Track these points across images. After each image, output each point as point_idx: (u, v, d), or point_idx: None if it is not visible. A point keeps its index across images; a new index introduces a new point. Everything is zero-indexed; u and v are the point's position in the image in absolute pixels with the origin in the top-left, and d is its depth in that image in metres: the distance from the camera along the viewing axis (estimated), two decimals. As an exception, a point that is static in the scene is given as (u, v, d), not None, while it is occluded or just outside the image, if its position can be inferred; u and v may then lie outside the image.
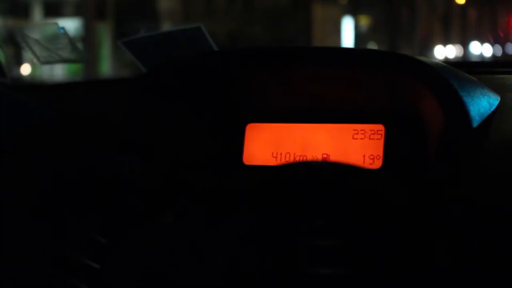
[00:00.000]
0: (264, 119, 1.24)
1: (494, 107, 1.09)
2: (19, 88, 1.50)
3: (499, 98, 1.12)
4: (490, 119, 1.06)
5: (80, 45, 1.40)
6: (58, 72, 11.80)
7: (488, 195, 0.94)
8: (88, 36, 12.98)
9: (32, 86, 1.50)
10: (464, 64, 1.28)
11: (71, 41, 1.40)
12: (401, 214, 0.90)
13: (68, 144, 1.19)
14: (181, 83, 1.21)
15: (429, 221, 0.91)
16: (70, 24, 16.51)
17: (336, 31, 17.63)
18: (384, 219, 0.88)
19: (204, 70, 1.20)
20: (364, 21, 18.89)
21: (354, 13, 18.88)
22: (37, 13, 17.18)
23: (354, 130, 1.19)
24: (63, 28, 1.45)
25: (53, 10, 16.35)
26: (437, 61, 1.10)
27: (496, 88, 1.14)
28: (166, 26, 16.81)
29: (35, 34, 1.40)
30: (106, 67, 15.47)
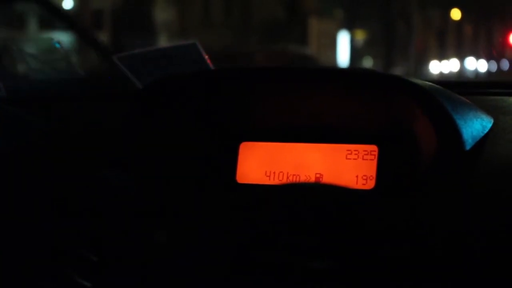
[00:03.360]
0: (258, 138, 1.24)
1: (487, 130, 1.10)
2: (14, 102, 1.50)
3: (492, 121, 1.13)
4: (483, 141, 1.07)
5: (74, 59, 1.40)
6: (57, 84, 11.90)
7: (479, 217, 0.95)
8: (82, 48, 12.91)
9: (28, 99, 1.49)
10: (458, 84, 1.28)
11: (66, 55, 1.39)
12: (390, 234, 0.90)
13: (61, 159, 1.19)
14: (175, 101, 1.21)
15: (418, 243, 0.92)
16: (65, 37, 16.56)
17: (332, 45, 17.66)
18: (374, 240, 0.89)
19: (198, 89, 1.20)
20: (360, 35, 18.92)
21: (350, 27, 18.92)
22: (32, 24, 17.19)
23: (348, 150, 1.19)
24: (58, 42, 1.45)
25: (48, 22, 16.39)
26: (430, 83, 1.10)
27: (489, 110, 1.15)
28: (163, 38, 16.80)
29: (30, 47, 1.40)
30: (103, 79, 15.49)
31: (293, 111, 1.22)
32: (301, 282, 0.88)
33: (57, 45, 1.44)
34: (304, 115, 1.21)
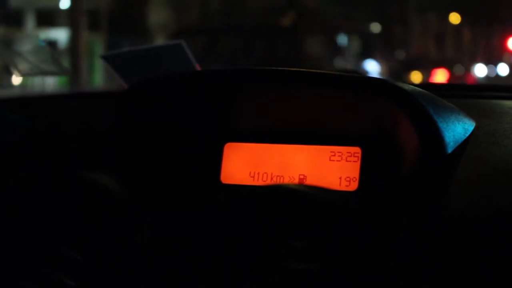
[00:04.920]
0: (242, 138, 1.25)
1: (469, 133, 1.11)
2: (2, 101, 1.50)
3: (474, 124, 1.13)
4: (465, 144, 1.08)
5: (60, 58, 1.40)
6: (50, 82, 11.78)
7: (459, 219, 0.95)
8: (75, 46, 12.76)
9: (13, 99, 1.49)
10: (440, 87, 1.29)
11: (52, 54, 1.39)
12: (373, 236, 0.91)
13: (45, 158, 1.20)
14: (159, 102, 1.21)
15: (398, 243, 0.92)
16: (63, 35, 16.50)
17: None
18: (355, 240, 0.89)
19: (183, 89, 1.21)
20: (357, 39, 18.96)
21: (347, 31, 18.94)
22: (29, 22, 17.17)
23: (331, 152, 1.20)
24: (43, 41, 1.45)
25: (46, 19, 16.35)
26: (413, 86, 1.11)
27: (471, 113, 1.16)
28: (160, 38, 16.80)
29: (16, 46, 1.40)
30: (99, 78, 15.47)
31: (277, 113, 1.22)
32: (282, 283, 0.88)
33: (42, 44, 1.44)
34: (289, 116, 1.22)
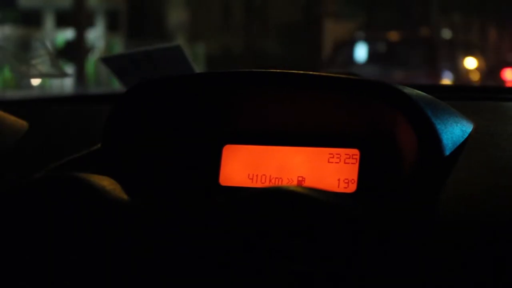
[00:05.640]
0: (241, 141, 1.25)
1: (467, 135, 1.11)
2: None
3: (472, 126, 1.14)
4: (463, 146, 1.08)
5: (59, 60, 1.39)
6: (68, 83, 11.83)
7: (458, 221, 0.95)
8: (79, 47, 12.68)
9: (12, 101, 1.50)
10: (439, 88, 1.28)
11: (51, 55, 1.39)
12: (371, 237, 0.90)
13: (41, 161, 1.20)
14: (158, 105, 1.22)
15: (396, 244, 0.92)
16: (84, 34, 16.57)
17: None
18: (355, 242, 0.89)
19: (181, 92, 1.21)
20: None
21: (367, 30, 18.88)
22: (49, 22, 17.25)
23: (330, 154, 1.20)
24: (40, 41, 1.45)
25: (65, 19, 16.42)
26: (411, 87, 1.11)
27: (469, 115, 1.16)
28: (180, 38, 16.82)
29: (14, 48, 1.40)
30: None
31: (276, 115, 1.22)
32: (280, 284, 0.88)
33: (40, 45, 1.44)
34: (287, 118, 1.22)
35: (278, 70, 1.13)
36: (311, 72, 1.12)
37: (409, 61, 12.63)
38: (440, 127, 1.04)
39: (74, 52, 12.66)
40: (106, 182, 1.04)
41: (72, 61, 12.53)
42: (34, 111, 1.44)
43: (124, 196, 1.03)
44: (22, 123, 1.20)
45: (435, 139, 1.03)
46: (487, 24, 19.49)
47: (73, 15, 13.55)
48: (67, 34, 15.95)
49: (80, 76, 11.96)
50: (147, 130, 1.23)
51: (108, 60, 1.43)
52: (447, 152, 1.04)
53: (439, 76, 12.62)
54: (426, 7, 19.01)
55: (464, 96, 1.27)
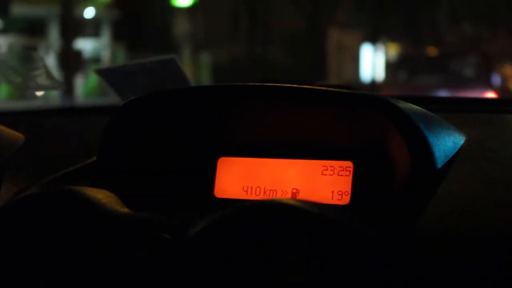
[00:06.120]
0: (235, 153, 1.26)
1: (459, 147, 1.12)
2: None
3: (464, 138, 1.15)
4: (455, 158, 1.09)
5: (54, 72, 1.39)
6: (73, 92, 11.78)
7: (449, 233, 0.95)
8: (66, 58, 12.51)
9: (9, 113, 1.50)
10: (431, 100, 1.29)
11: (46, 68, 1.40)
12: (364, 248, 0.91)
13: (37, 173, 1.20)
14: (153, 119, 1.23)
15: (389, 257, 0.92)
16: (88, 45, 16.58)
17: (354, 58, 17.58)
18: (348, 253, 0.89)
19: (176, 106, 1.22)
20: (393, 48, 18.84)
21: (375, 40, 18.85)
22: (53, 32, 17.25)
23: (324, 166, 1.20)
24: (35, 52, 1.45)
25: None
26: (405, 101, 1.11)
27: (462, 127, 1.17)
28: (185, 48, 16.81)
29: (10, 61, 1.40)
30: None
31: (270, 128, 1.23)
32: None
33: (35, 56, 1.43)
34: (281, 131, 1.23)
35: (271, 84, 1.14)
36: (305, 86, 1.13)
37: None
38: (432, 140, 1.05)
39: (80, 62, 12.61)
40: (101, 195, 1.04)
41: (77, 72, 12.49)
42: (29, 123, 1.44)
43: (120, 208, 1.03)
44: (18, 136, 1.20)
45: (428, 152, 1.04)
46: (498, 33, 19.45)
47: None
48: (73, 43, 15.95)
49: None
50: (143, 143, 1.23)
51: (103, 72, 1.44)
52: (439, 165, 1.04)
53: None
54: (435, 16, 19.00)
55: (457, 109, 1.27)
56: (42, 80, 1.37)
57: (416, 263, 0.91)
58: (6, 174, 1.16)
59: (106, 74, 1.43)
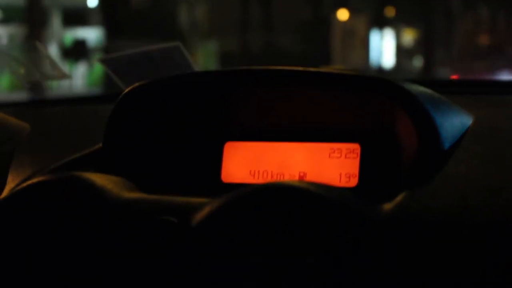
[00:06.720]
0: (242, 137, 1.26)
1: (466, 128, 1.12)
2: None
3: (471, 119, 1.14)
4: (462, 139, 1.09)
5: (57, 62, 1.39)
6: (78, 82, 11.76)
7: (458, 213, 0.95)
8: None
9: (14, 103, 1.50)
10: (439, 83, 1.29)
11: (50, 58, 1.39)
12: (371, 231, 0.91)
13: (41, 161, 1.20)
14: (158, 105, 1.23)
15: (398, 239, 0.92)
16: (92, 34, 16.52)
17: (361, 45, 17.46)
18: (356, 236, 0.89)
19: (181, 92, 1.22)
20: (410, 34, 18.73)
21: (382, 25, 18.74)
22: (56, 21, 17.22)
23: (331, 149, 1.20)
24: (37, 42, 1.44)
25: (73, 19, 16.40)
26: (411, 82, 1.11)
27: (470, 108, 1.17)
28: (190, 37, 16.77)
29: (16, 53, 1.39)
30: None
31: (276, 111, 1.23)
32: (281, 281, 0.89)
33: (38, 46, 1.43)
34: (288, 114, 1.23)
35: (276, 67, 1.14)
36: (311, 69, 1.13)
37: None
38: (439, 120, 1.05)
39: (84, 51, 12.55)
40: (106, 180, 1.04)
41: (80, 61, 12.43)
42: (33, 112, 1.44)
43: (126, 193, 1.03)
44: (24, 125, 1.21)
45: (435, 133, 1.04)
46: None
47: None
48: (76, 33, 15.92)
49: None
50: (148, 129, 1.24)
51: (107, 61, 1.43)
52: (447, 146, 1.05)
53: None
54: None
55: (464, 90, 1.27)
56: (47, 70, 1.36)
57: (422, 244, 0.91)
58: (12, 163, 1.17)
59: (110, 63, 1.43)
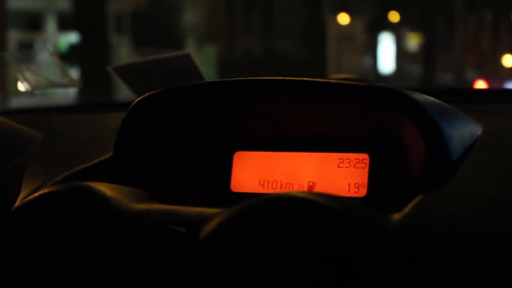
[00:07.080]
0: (251, 147, 1.26)
1: (475, 138, 1.12)
2: (10, 113, 1.50)
3: (480, 129, 1.14)
4: (471, 149, 1.09)
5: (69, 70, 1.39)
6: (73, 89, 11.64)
7: (466, 224, 0.95)
8: None
9: (23, 110, 1.50)
10: (447, 92, 1.29)
11: (61, 65, 1.39)
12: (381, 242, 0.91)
13: (51, 170, 1.20)
14: (168, 114, 1.23)
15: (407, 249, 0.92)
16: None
17: (357, 49, 17.37)
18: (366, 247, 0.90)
19: (191, 101, 1.22)
20: (414, 39, 18.64)
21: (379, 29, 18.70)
22: (50, 26, 17.14)
23: (340, 159, 1.21)
24: (47, 48, 1.44)
25: (67, 23, 16.29)
26: (418, 92, 1.11)
27: (478, 118, 1.17)
28: (189, 42, 16.73)
29: (25, 59, 1.39)
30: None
31: (286, 121, 1.23)
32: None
33: (48, 52, 1.43)
34: (297, 124, 1.23)
35: (286, 78, 1.14)
36: (320, 79, 1.13)
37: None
38: (447, 131, 1.05)
39: (79, 56, 12.42)
40: (116, 191, 1.05)
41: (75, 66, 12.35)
42: (42, 120, 1.44)
43: (135, 204, 1.04)
44: (35, 135, 1.21)
45: (443, 143, 1.04)
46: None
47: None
48: (71, 37, 15.81)
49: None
50: (158, 139, 1.24)
51: (118, 70, 1.44)
52: (455, 156, 1.05)
53: None
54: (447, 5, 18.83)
55: (473, 100, 1.27)
56: (57, 78, 1.36)
57: (431, 256, 0.91)
58: (25, 173, 1.17)
59: (121, 72, 1.43)
